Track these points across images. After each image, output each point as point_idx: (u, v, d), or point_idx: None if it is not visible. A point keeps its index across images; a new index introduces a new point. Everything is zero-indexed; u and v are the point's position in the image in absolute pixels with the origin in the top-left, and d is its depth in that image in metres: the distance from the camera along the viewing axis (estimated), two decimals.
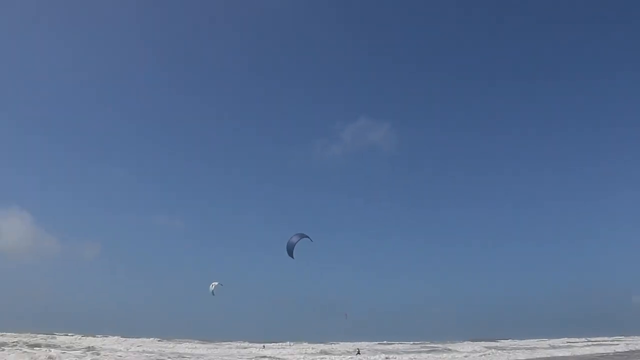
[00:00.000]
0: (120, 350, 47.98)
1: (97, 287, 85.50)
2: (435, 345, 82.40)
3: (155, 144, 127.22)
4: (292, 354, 49.94)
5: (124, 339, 60.75)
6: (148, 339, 62.73)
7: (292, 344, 72.47)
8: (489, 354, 53.56)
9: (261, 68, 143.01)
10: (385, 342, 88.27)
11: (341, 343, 79.90)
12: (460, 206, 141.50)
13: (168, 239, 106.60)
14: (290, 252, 28.99)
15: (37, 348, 40.92)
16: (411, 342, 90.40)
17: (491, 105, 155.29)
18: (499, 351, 60.71)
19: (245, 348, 60.65)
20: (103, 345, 53.88)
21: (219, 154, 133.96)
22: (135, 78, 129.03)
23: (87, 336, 61.30)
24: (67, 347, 50.24)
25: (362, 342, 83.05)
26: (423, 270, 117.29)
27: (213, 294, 30.71)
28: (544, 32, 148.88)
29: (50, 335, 59.36)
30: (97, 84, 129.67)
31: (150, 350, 47.29)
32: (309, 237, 28.93)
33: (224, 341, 69.75)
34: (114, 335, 63.74)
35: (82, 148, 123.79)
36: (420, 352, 61.76)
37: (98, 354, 34.94)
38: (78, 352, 37.21)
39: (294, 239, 28.77)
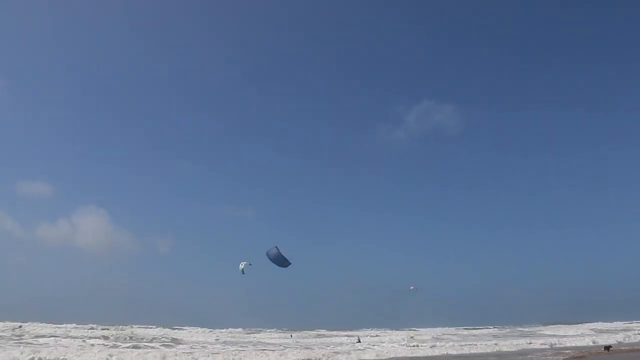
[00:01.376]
0: (209, 343, 46.78)
1: (172, 279, 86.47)
2: (527, 330, 77.30)
3: (224, 136, 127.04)
4: (392, 343, 47.16)
5: (210, 330, 59.74)
6: (236, 330, 61.58)
7: (379, 331, 69.40)
8: None
9: (321, 52, 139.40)
10: (467, 327, 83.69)
11: (422, 329, 76.39)
12: (531, 188, 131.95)
13: (239, 229, 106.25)
14: (282, 263, 27.80)
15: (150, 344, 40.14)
16: (492, 327, 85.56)
17: (559, 81, 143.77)
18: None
19: (334, 336, 58.19)
20: (190, 337, 52.82)
21: (286, 143, 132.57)
22: (210, 73, 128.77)
23: (165, 328, 60.65)
24: (153, 338, 49.60)
25: (442, 328, 79.24)
26: (489, 254, 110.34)
27: (243, 273, 30.82)
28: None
29: (129, 327, 59.14)
30: (173, 79, 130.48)
31: (246, 340, 46.02)
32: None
33: (304, 329, 67.77)
34: (194, 327, 62.88)
35: (154, 143, 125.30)
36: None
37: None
38: (185, 347, 35.77)
39: (273, 251, 27.86)
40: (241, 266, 30.65)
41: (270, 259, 27.80)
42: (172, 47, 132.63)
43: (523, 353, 36.74)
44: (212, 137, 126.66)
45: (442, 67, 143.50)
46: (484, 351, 38.68)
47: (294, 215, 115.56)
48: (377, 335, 62.53)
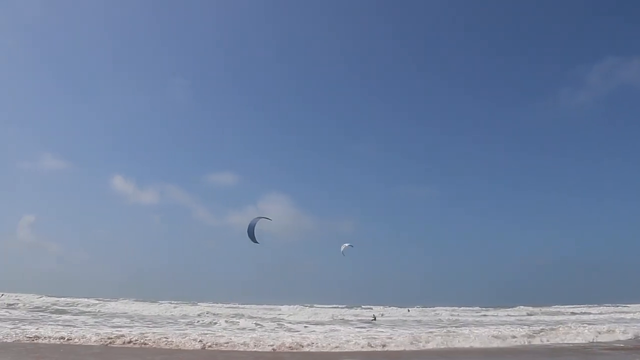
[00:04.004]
0: None
1: (358, 261, 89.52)
2: None
3: (398, 114, 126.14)
4: None
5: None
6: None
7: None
8: None
9: (489, 22, 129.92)
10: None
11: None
12: None
13: (419, 208, 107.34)
14: (251, 235, 27.89)
15: None
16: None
17: None
18: None
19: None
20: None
21: (464, 121, 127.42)
22: (379, 55, 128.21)
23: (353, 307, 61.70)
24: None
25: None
26: None
27: (343, 254, 31.78)
28: None
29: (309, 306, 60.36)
30: (348, 59, 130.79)
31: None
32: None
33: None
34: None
35: (336, 127, 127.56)
36: None
37: None
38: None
39: (253, 221, 28.29)
40: (342, 248, 31.57)
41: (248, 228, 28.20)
42: (350, 37, 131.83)
43: None
44: (387, 119, 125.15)
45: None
46: None
47: (473, 194, 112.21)
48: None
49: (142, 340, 20.89)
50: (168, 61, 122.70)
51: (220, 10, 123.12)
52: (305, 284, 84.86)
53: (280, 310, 54.44)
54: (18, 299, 51.95)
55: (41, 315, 36.37)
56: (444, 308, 63.51)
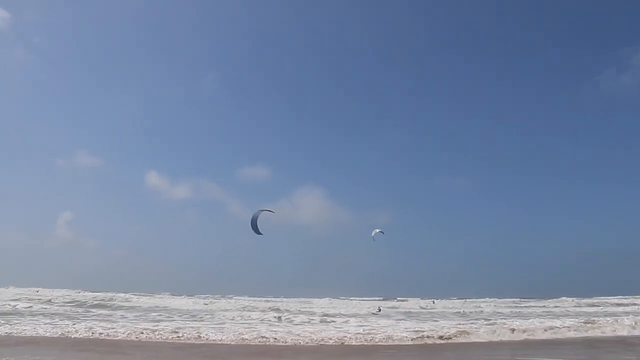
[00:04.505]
0: None
1: (392, 252, 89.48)
2: None
3: (433, 103, 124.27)
4: None
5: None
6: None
7: None
8: None
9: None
10: None
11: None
12: None
13: (454, 200, 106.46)
14: (254, 227, 28.79)
15: None
16: None
17: None
18: None
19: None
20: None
21: (498, 110, 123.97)
22: (415, 41, 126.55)
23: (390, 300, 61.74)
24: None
25: None
26: None
27: (374, 240, 32.91)
28: None
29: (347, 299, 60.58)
30: (382, 47, 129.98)
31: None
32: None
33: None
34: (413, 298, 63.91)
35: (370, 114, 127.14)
36: None
37: None
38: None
39: (256, 214, 29.05)
40: (373, 233, 32.12)
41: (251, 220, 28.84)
42: (384, 24, 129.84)
43: None
44: (424, 108, 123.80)
45: None
46: None
47: (506, 185, 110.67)
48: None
49: (199, 335, 20.52)
50: (200, 55, 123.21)
51: (252, 1, 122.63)
52: (340, 276, 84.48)
53: (313, 303, 54.15)
54: (65, 295, 53.04)
55: (84, 311, 36.81)
56: (483, 300, 62.57)
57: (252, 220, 28.94)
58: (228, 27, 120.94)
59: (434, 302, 59.14)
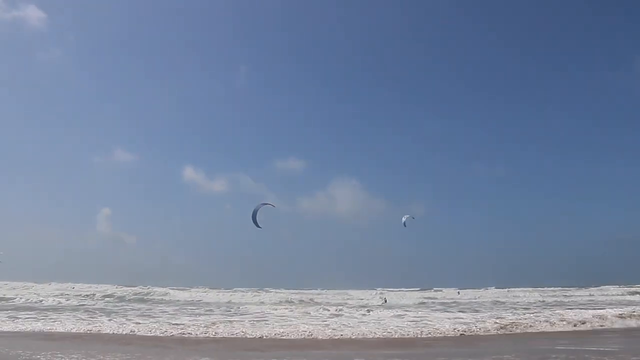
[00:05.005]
0: None
1: (428, 242, 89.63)
2: None
3: (468, 88, 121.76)
4: None
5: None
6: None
7: None
8: None
9: None
10: None
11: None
12: None
13: (490, 187, 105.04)
14: (254, 220, 29.36)
15: None
16: None
17: None
18: None
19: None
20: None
21: (537, 97, 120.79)
22: (451, 31, 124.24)
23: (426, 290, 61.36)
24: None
25: None
26: None
27: (405, 225, 33.80)
28: None
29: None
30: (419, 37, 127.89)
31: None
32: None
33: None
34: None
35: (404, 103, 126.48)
36: None
37: None
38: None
39: (257, 207, 29.66)
40: (404, 219, 33.23)
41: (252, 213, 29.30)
42: (422, 14, 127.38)
43: None
44: (456, 92, 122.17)
45: None
46: None
47: (540, 172, 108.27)
48: None
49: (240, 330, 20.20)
50: (232, 48, 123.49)
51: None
52: (376, 268, 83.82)
53: (349, 294, 53.55)
54: (106, 290, 53.99)
55: (124, 305, 37.22)
56: (521, 289, 60.76)
57: (252, 213, 29.20)
58: (259, 18, 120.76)
59: (458, 292, 57.80)
